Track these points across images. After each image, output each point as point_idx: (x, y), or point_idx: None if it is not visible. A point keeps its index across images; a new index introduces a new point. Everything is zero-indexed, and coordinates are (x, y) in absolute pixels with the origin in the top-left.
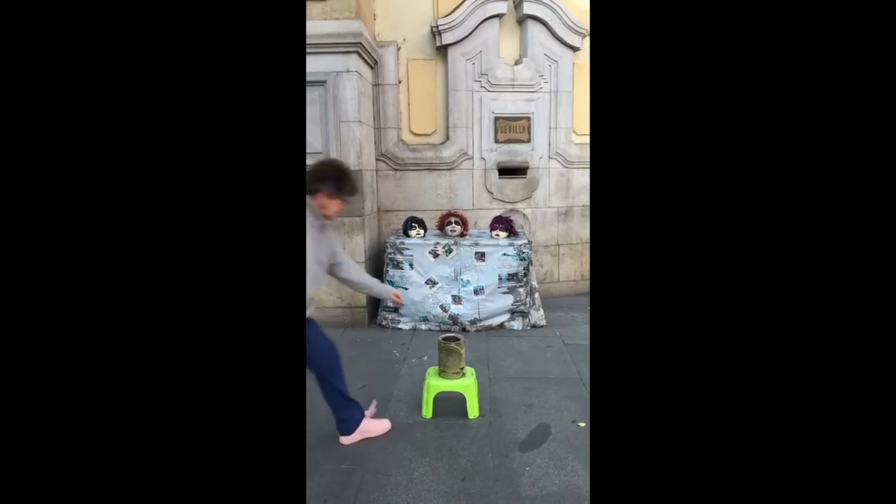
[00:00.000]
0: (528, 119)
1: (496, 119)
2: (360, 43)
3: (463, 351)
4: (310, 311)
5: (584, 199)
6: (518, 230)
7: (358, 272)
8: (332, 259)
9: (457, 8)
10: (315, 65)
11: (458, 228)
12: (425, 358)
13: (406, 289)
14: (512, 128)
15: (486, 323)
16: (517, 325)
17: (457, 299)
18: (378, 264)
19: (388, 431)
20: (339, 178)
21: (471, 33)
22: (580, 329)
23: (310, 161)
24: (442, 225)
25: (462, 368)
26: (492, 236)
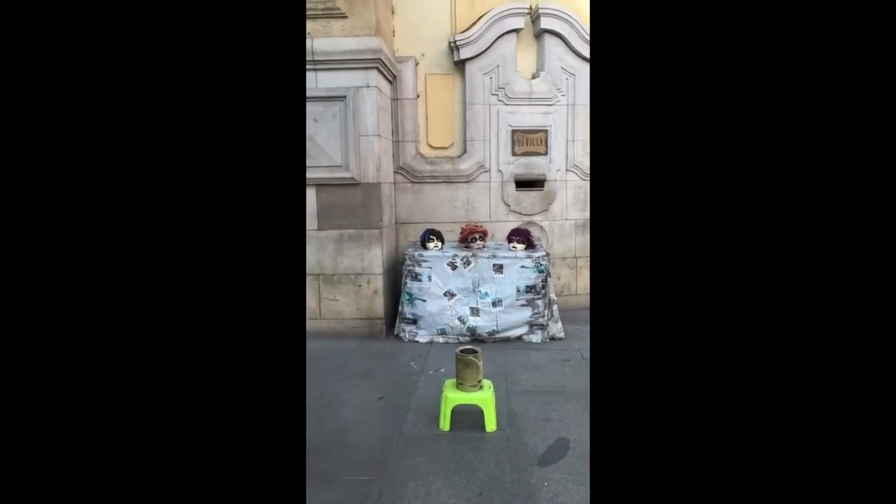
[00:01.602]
0: (546, 132)
1: (513, 132)
2: (380, 59)
3: (481, 363)
4: None
5: None
6: (536, 242)
7: None
8: None
9: (474, 23)
10: (335, 80)
11: (480, 244)
12: (442, 370)
13: (424, 300)
14: (529, 140)
15: (505, 335)
16: (536, 337)
17: (475, 311)
18: (396, 276)
19: (406, 444)
20: None
21: (488, 48)
22: None
23: (327, 174)
24: (465, 239)
25: (480, 381)
26: (509, 248)
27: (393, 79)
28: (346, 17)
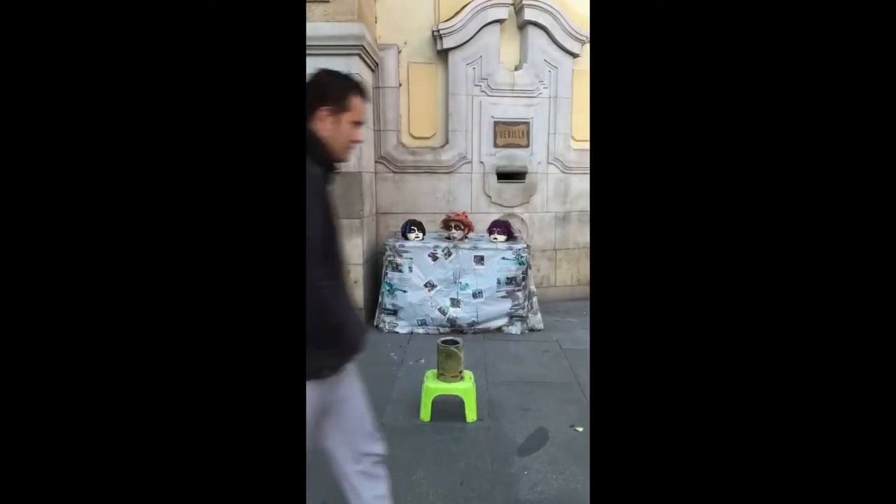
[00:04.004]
0: (528, 124)
1: (495, 123)
2: (362, 45)
3: (462, 354)
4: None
5: (582, 204)
6: (516, 234)
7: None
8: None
9: (458, 13)
10: (316, 66)
11: (458, 234)
12: (423, 361)
13: (405, 291)
14: (511, 132)
15: (485, 326)
16: (515, 328)
17: (455, 302)
18: (376, 266)
19: (387, 434)
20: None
21: (471, 38)
22: (577, 334)
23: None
24: (447, 225)
25: (460, 372)
26: (490, 240)
27: (375, 67)
28: (328, 1)
